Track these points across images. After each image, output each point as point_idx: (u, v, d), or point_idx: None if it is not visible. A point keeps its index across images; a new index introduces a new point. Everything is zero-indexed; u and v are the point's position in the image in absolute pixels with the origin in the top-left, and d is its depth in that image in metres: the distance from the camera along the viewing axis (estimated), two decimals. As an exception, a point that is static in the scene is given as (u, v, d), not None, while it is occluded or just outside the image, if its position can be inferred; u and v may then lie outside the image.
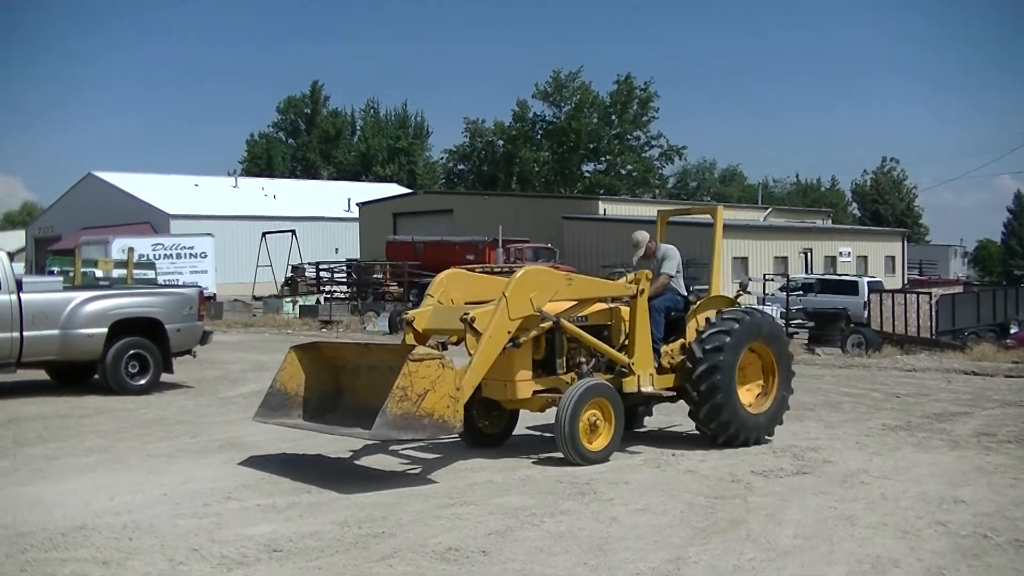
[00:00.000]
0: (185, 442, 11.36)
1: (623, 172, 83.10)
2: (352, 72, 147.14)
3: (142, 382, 15.60)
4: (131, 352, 15.55)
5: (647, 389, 11.14)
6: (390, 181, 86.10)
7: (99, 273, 31.13)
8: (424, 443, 10.51)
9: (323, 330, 30.83)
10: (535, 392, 10.65)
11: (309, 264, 45.76)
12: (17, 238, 75.34)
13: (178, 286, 24.80)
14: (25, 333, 14.74)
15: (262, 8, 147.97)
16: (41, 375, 16.72)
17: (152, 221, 57.88)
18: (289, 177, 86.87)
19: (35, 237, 69.51)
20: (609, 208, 51.31)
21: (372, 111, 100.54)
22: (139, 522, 7.69)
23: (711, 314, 11.58)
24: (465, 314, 9.94)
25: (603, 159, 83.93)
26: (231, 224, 56.21)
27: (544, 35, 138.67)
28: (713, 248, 12.60)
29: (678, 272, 11.90)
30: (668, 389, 11.43)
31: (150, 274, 35.32)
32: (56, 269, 33.49)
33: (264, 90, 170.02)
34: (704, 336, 11.20)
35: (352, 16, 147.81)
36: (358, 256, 53.50)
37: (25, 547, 7.02)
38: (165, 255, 41.10)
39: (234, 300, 39.08)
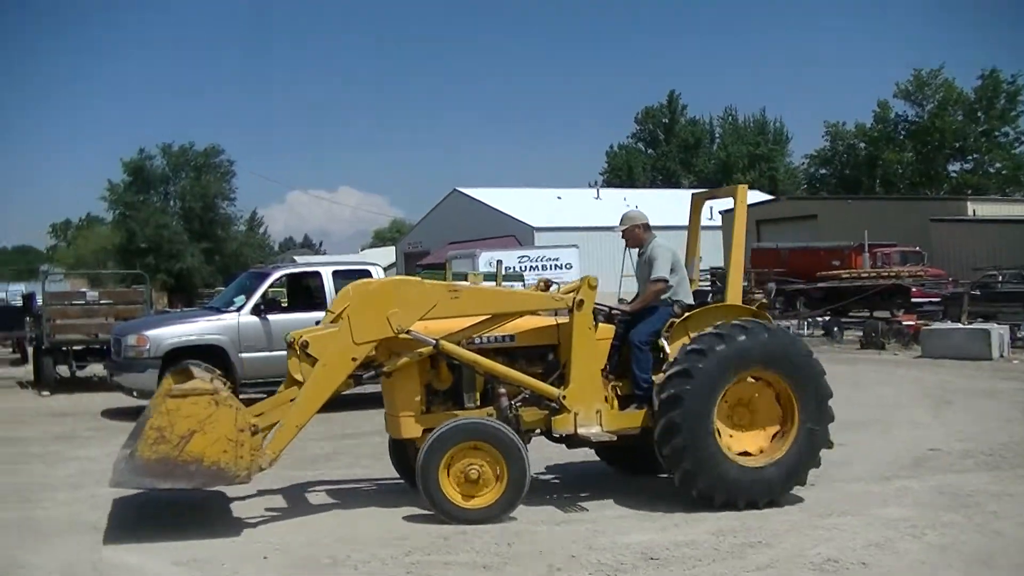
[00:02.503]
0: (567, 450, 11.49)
1: (991, 170, 78.06)
2: (708, 80, 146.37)
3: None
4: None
5: (587, 430, 8.79)
6: (751, 188, 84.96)
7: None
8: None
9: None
10: (426, 431, 8.65)
11: (672, 273, 45.86)
12: (388, 254, 79.92)
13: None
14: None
15: (618, 21, 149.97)
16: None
17: (516, 234, 59.78)
18: (650, 187, 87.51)
19: (404, 252, 73.40)
20: (979, 209, 48.25)
21: (730, 118, 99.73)
22: (518, 528, 7.96)
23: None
24: (299, 336, 8.40)
25: (970, 158, 79.18)
26: (594, 235, 57.14)
27: (904, 33, 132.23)
28: (732, 239, 9.71)
29: (675, 275, 9.29)
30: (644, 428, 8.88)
31: (518, 286, 36.53)
32: (427, 283, 35.18)
33: (622, 101, 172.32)
34: (676, 357, 8.74)
35: (706, 22, 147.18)
36: (721, 264, 53.14)
37: (409, 550, 7.40)
38: (531, 267, 42.37)
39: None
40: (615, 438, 8.88)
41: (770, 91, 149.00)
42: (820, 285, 34.07)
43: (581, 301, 8.79)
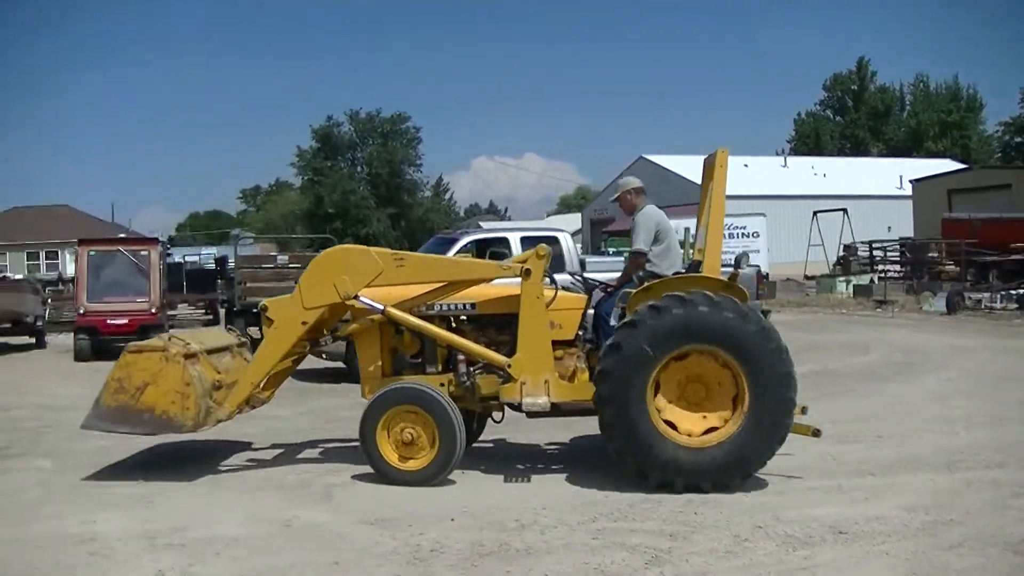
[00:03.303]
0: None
1: None
2: (899, 47, 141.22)
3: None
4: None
5: (533, 400, 8.71)
6: (943, 156, 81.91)
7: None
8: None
9: (877, 310, 30.07)
10: None
11: (861, 243, 44.66)
12: (573, 220, 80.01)
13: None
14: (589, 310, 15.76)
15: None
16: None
17: (703, 202, 58.97)
18: (838, 155, 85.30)
19: (590, 219, 73.28)
20: None
21: (921, 85, 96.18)
22: (704, 497, 7.94)
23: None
24: (264, 302, 9.06)
25: None
26: (781, 204, 56.12)
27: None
28: (710, 205, 9.03)
29: (657, 245, 9.21)
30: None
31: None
32: (612, 249, 35.20)
33: (810, 68, 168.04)
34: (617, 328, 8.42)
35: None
36: (911, 234, 51.49)
37: (596, 516, 7.45)
38: (718, 235, 41.79)
39: (786, 280, 39.22)
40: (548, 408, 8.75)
41: (963, 56, 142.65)
42: (1014, 257, 32.73)
43: (528, 270, 8.75)
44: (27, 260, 67.42)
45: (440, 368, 9.21)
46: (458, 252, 16.13)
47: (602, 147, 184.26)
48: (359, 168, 78.71)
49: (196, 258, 49.15)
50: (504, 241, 16.42)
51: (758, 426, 8.09)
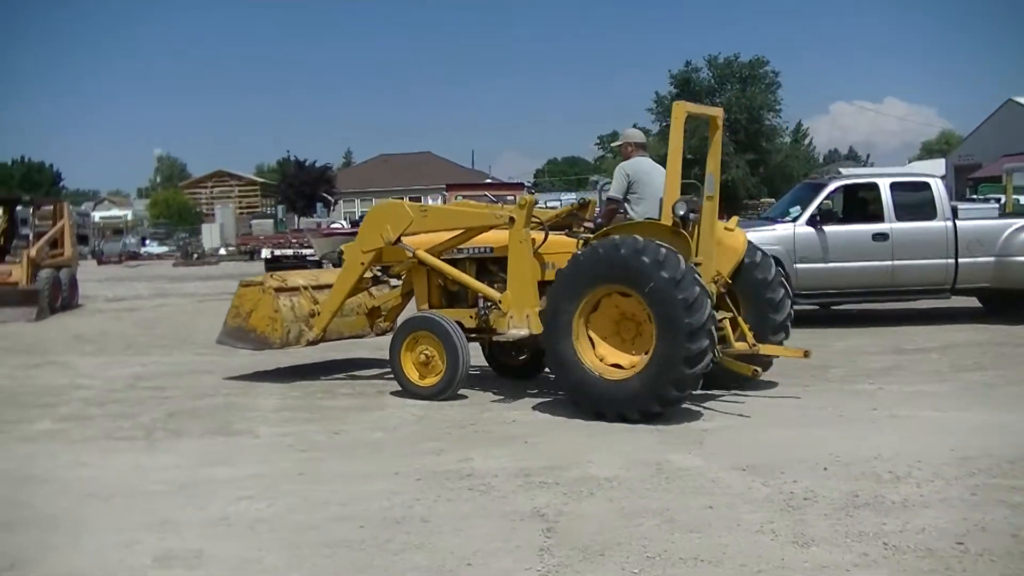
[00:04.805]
0: None
1: None
2: None
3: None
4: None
5: (517, 331, 10.01)
6: None
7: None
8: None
9: None
10: None
11: None
12: (937, 166, 75.97)
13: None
14: (960, 260, 15.05)
15: None
16: (972, 302, 16.84)
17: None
18: None
19: (955, 165, 69.30)
20: None
21: None
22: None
23: None
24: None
25: None
26: None
27: None
28: (668, 157, 9.41)
29: (632, 195, 10.16)
30: None
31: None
32: (981, 197, 33.14)
33: None
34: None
35: None
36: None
37: (973, 471, 7.12)
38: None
39: None
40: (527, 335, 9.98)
41: None
42: None
43: (512, 218, 10.09)
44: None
45: (470, 303, 10.77)
46: (826, 198, 15.81)
47: (966, 90, 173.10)
48: (717, 114, 77.89)
49: (557, 203, 50.40)
50: (873, 187, 15.92)
51: (661, 359, 8.65)
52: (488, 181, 44.57)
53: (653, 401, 8.74)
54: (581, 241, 9.83)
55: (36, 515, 6.58)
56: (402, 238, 10.84)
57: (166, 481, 7.30)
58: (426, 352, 10.25)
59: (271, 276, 12.02)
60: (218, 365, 13.00)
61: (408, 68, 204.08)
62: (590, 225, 10.57)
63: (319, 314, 11.43)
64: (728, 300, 10.12)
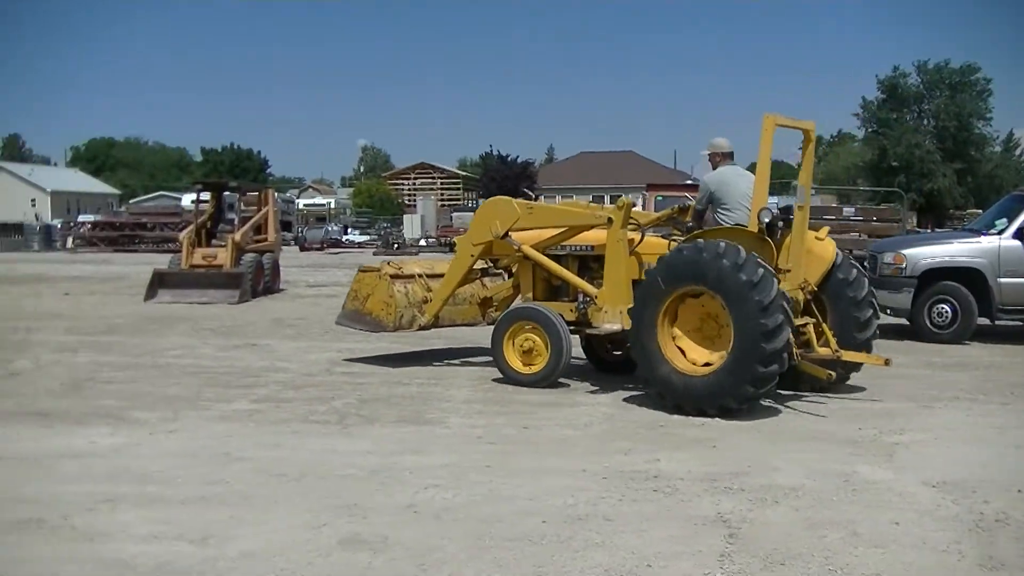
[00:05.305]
0: None
1: None
2: None
3: None
4: None
5: (611, 325, 10.53)
6: None
7: None
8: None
9: None
10: None
11: None
12: None
13: None
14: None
15: None
16: None
17: None
18: None
19: None
20: None
21: None
22: None
23: None
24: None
25: None
26: None
27: None
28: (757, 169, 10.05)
29: (714, 205, 10.47)
30: None
31: None
32: None
33: None
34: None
35: None
36: None
37: None
38: None
39: None
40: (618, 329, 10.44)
41: None
42: None
43: (610, 219, 10.68)
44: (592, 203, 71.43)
45: (571, 297, 11.31)
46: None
47: None
48: (925, 121, 75.34)
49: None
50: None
51: (737, 359, 9.07)
52: (688, 182, 44.25)
53: (730, 397, 9.17)
54: (669, 243, 10.53)
55: (229, 491, 6.95)
56: (510, 233, 11.43)
57: (357, 466, 7.59)
58: (531, 341, 10.82)
59: (388, 264, 12.80)
60: (413, 355, 13.39)
61: (615, 68, 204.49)
62: (686, 228, 10.96)
63: (431, 301, 12.09)
64: (814, 307, 10.44)
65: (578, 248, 11.35)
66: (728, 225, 10.21)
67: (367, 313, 12.16)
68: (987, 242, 15.12)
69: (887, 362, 10.39)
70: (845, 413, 9.75)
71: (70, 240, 55.76)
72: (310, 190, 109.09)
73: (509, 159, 78.47)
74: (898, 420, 9.40)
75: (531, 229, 11.44)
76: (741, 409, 9.24)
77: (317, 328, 16.54)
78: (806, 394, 10.43)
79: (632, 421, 9.35)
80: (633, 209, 11.18)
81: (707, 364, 9.46)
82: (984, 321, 15.17)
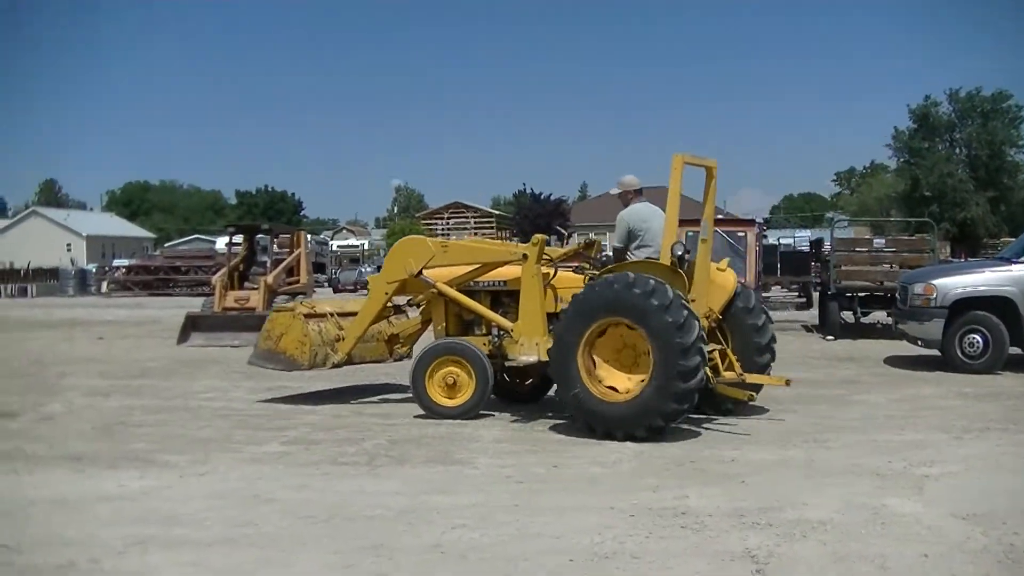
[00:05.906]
0: None
1: None
2: None
3: None
4: None
5: (526, 357, 10.97)
6: None
7: None
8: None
9: None
10: None
11: None
12: None
13: None
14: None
15: None
16: None
17: None
18: None
19: None
20: None
21: None
22: None
23: None
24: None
25: None
26: None
27: None
28: (667, 203, 10.50)
29: (634, 241, 11.05)
30: None
31: None
32: None
33: None
34: None
35: None
36: None
37: None
38: None
39: None
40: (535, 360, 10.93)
41: None
42: None
43: (524, 255, 11.10)
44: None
45: (485, 331, 11.62)
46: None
47: None
48: (957, 149, 75.07)
49: (790, 240, 49.43)
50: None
51: (656, 388, 9.62)
52: (720, 217, 44.16)
53: (656, 416, 9.66)
54: (587, 277, 10.93)
55: (257, 533, 6.97)
56: (423, 271, 11.68)
57: (385, 506, 7.61)
58: (454, 375, 11.18)
59: (301, 303, 13.34)
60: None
61: (647, 102, 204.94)
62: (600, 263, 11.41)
63: (344, 339, 12.38)
64: (719, 334, 11.09)
65: (490, 284, 11.77)
66: (636, 256, 10.86)
67: (281, 352, 12.35)
68: (1018, 270, 15.02)
69: (787, 383, 11.01)
70: (875, 446, 9.69)
71: (104, 284, 56.40)
72: (344, 231, 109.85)
73: (542, 197, 78.71)
74: (928, 451, 9.33)
75: (445, 266, 11.76)
76: (665, 427, 9.81)
77: (347, 369, 16.49)
78: (838, 429, 10.41)
79: (662, 457, 9.31)
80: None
81: (629, 390, 9.93)
82: (1016, 350, 15.09)
